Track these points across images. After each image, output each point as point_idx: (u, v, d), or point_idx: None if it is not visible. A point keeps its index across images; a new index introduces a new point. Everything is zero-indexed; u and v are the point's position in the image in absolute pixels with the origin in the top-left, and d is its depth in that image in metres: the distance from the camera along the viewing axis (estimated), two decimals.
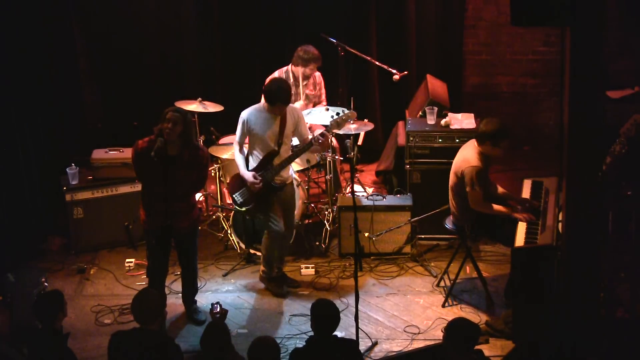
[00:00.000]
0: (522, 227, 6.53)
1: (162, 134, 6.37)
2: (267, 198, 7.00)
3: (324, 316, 5.42)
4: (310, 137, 6.97)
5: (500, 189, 7.07)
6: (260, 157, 6.95)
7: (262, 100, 6.94)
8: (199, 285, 7.11)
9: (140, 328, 5.51)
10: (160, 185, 6.45)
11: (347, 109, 7.95)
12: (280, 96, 6.78)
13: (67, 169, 7.86)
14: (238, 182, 7.06)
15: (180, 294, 7.03)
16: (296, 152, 7.02)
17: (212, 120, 8.38)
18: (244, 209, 7.07)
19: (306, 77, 8.02)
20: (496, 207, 6.76)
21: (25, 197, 7.81)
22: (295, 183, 7.31)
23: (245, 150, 7.11)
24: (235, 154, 7.07)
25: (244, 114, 6.96)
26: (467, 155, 6.76)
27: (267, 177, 6.94)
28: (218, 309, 5.90)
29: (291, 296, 7.21)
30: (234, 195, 7.08)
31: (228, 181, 7.43)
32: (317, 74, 8.11)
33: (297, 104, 7.91)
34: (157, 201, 6.51)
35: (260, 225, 7.66)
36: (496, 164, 8.57)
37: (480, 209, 6.73)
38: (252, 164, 7.01)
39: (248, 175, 6.93)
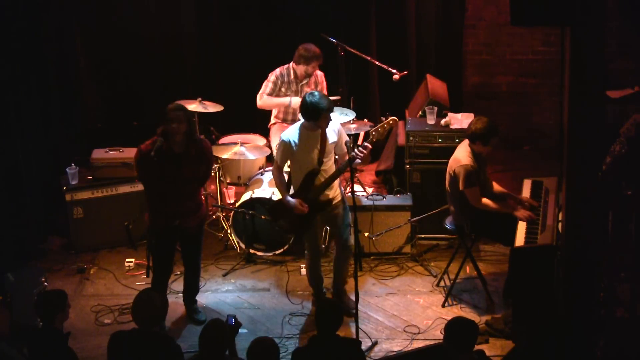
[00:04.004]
0: (522, 227, 6.53)
1: (167, 135, 6.36)
2: (311, 218, 6.72)
3: (329, 315, 5.42)
4: (352, 153, 6.53)
5: (499, 188, 7.08)
6: (301, 178, 6.66)
7: (300, 120, 6.65)
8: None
9: (140, 329, 5.50)
10: (170, 185, 6.44)
11: (349, 109, 8.00)
12: (324, 105, 6.43)
13: (67, 169, 7.86)
14: (281, 208, 6.80)
15: (181, 294, 7.03)
16: (339, 170, 6.69)
17: (212, 120, 8.39)
18: (292, 235, 6.92)
19: (308, 75, 8.01)
20: (496, 204, 6.78)
21: (25, 197, 7.80)
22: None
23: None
24: (276, 179, 6.73)
25: (287, 137, 6.57)
26: (458, 155, 6.85)
27: (311, 198, 6.65)
28: (233, 322, 5.58)
29: (291, 296, 7.21)
30: (279, 223, 6.86)
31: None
32: (320, 73, 8.11)
33: (295, 100, 7.90)
34: (169, 202, 6.50)
35: (261, 226, 7.68)
36: (496, 164, 8.60)
37: (480, 206, 6.75)
38: (294, 185, 6.74)
39: (294, 203, 6.61)
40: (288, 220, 6.79)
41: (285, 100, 7.94)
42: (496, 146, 6.88)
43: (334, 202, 6.74)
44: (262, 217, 7.55)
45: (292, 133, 6.61)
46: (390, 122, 6.70)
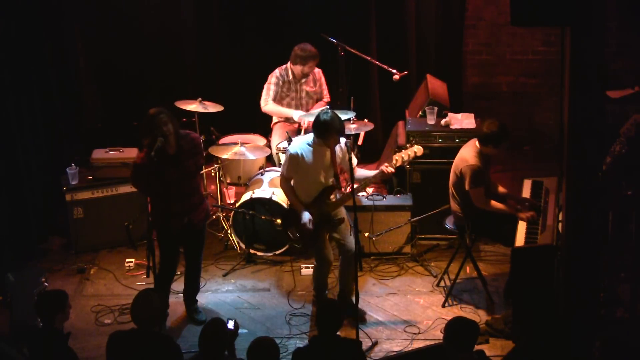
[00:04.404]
0: (522, 227, 6.54)
1: (164, 137, 6.36)
2: (321, 231, 6.75)
3: (329, 316, 5.43)
4: (382, 167, 6.64)
5: (501, 189, 7.09)
6: (310, 191, 6.67)
7: (311, 134, 6.64)
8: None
9: (139, 329, 5.49)
10: (174, 187, 6.44)
11: (349, 109, 7.99)
12: (334, 126, 6.46)
13: (67, 169, 7.86)
14: (293, 216, 6.78)
15: (181, 294, 7.02)
16: (363, 184, 6.81)
17: (212, 120, 8.38)
18: (299, 245, 6.93)
19: (305, 75, 8.03)
20: (499, 205, 6.78)
21: (25, 197, 7.80)
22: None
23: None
24: (284, 188, 6.77)
25: (295, 149, 6.62)
26: (465, 155, 6.83)
27: (324, 213, 6.68)
28: (232, 326, 5.57)
29: (291, 296, 7.21)
30: (289, 231, 6.86)
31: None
32: (317, 70, 8.13)
33: (297, 114, 7.94)
34: (175, 202, 6.49)
35: (261, 226, 7.68)
36: (496, 164, 8.60)
37: (484, 206, 6.75)
38: (303, 198, 6.70)
39: (305, 216, 6.62)
40: (298, 229, 6.77)
41: (289, 113, 8.00)
42: (505, 150, 6.87)
43: (344, 222, 6.77)
44: (262, 217, 7.55)
45: (301, 146, 6.64)
46: (416, 150, 6.76)
